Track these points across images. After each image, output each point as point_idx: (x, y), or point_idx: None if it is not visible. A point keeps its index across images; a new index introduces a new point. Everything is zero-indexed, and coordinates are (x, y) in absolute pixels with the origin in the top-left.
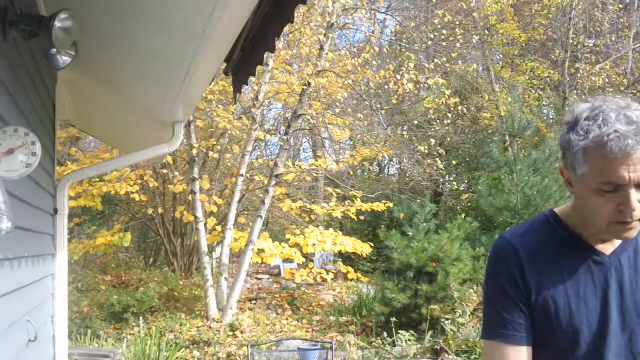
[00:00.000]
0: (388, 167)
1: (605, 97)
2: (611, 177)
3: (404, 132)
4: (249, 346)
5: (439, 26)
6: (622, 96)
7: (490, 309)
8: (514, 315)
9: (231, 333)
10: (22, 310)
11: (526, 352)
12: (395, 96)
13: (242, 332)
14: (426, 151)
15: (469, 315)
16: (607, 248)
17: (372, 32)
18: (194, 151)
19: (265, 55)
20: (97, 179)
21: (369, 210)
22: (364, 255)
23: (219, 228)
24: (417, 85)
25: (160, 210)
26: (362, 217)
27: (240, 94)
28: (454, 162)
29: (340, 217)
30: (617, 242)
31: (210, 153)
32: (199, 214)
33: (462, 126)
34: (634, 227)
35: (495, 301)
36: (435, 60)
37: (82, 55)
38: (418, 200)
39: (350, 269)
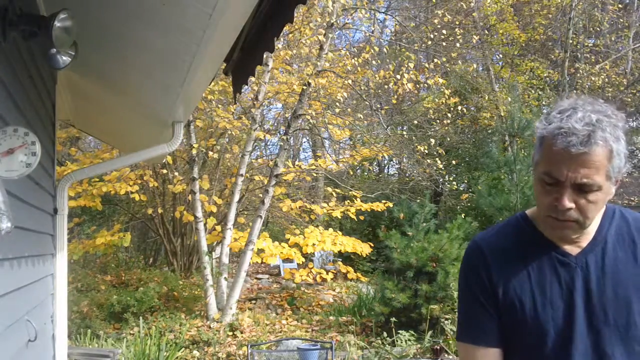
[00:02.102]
0: (388, 167)
1: (596, 100)
2: (551, 169)
3: (404, 132)
4: (249, 346)
5: (438, 26)
6: (621, 96)
7: (462, 312)
8: (483, 319)
9: (231, 333)
10: (22, 310)
11: (496, 353)
12: (395, 96)
13: (242, 332)
14: (426, 151)
15: None
16: (574, 249)
17: (372, 32)
18: (194, 151)
19: (265, 55)
20: (97, 179)
21: (369, 210)
22: (364, 255)
23: (219, 228)
24: (417, 85)
25: (160, 210)
26: (362, 217)
27: (240, 94)
28: (453, 162)
29: (340, 217)
30: (585, 243)
31: (210, 153)
32: (199, 214)
33: (462, 126)
34: (567, 227)
35: (466, 305)
36: (435, 60)
37: (82, 55)
38: (418, 200)
39: (350, 269)
